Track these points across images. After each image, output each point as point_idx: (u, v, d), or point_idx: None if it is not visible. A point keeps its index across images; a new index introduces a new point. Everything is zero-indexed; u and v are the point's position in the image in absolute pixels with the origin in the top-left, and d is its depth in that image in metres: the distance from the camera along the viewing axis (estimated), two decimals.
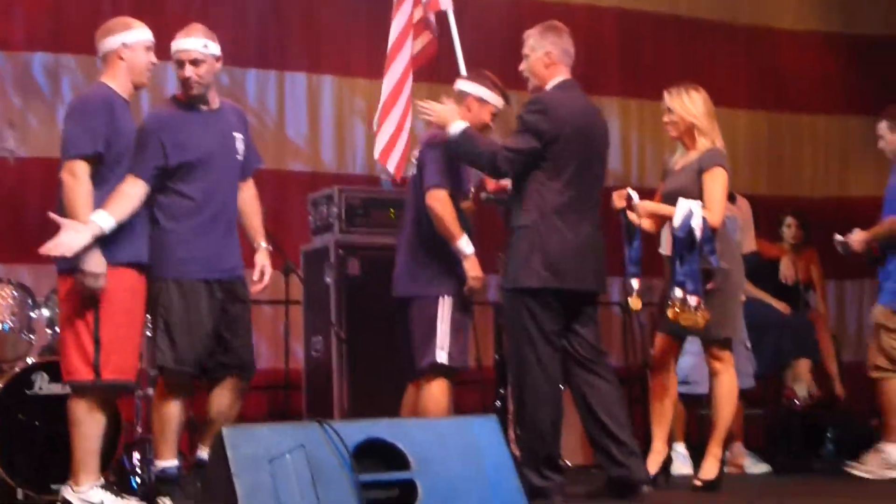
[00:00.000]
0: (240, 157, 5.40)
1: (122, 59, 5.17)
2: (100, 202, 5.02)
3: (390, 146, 6.55)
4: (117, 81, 5.20)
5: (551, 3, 9.41)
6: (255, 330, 8.46)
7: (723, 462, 6.00)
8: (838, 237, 6.85)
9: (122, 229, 5.04)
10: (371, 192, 7.68)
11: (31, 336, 6.41)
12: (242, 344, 5.36)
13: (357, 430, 4.14)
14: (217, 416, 5.28)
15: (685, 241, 5.61)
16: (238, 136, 5.41)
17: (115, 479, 5.84)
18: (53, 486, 5.61)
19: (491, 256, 6.77)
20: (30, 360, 6.14)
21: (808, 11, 10.53)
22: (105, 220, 4.97)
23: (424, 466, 4.14)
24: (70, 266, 5.00)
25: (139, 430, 6.50)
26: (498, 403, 7.14)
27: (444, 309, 5.67)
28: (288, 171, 8.73)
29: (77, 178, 4.99)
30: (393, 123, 6.58)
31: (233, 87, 8.49)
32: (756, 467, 7.21)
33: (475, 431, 4.34)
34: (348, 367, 7.16)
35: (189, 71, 5.22)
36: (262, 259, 5.48)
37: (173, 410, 5.24)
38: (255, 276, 5.44)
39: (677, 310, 5.55)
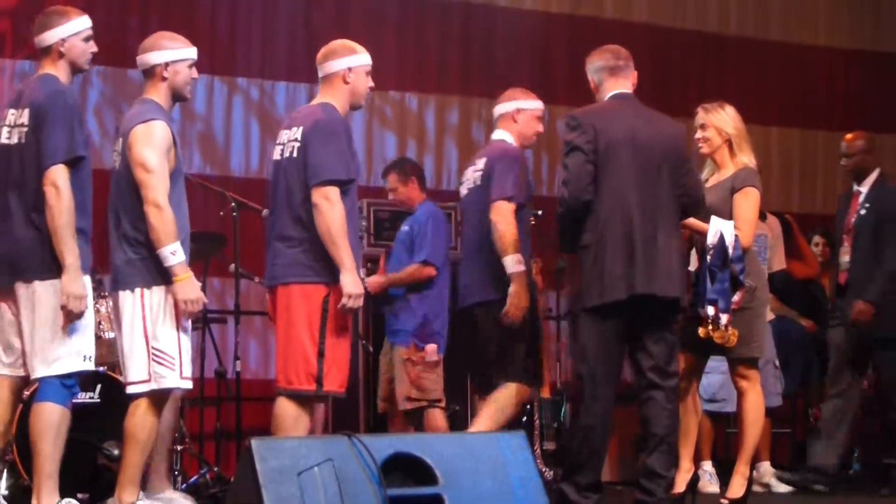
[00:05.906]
0: None
1: (346, 82, 5.18)
2: None
3: None
4: (338, 102, 5.18)
5: (581, 18, 9.42)
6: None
7: (750, 481, 5.97)
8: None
9: None
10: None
11: None
12: None
13: (385, 444, 4.14)
14: None
15: (717, 259, 5.58)
16: None
17: None
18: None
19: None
20: None
21: (839, 28, 10.48)
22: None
23: (452, 481, 4.13)
24: (292, 277, 5.05)
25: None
26: (524, 419, 7.13)
27: None
28: None
29: (333, 203, 4.95)
30: None
31: (263, 99, 8.52)
32: (783, 486, 7.16)
33: (502, 446, 4.34)
34: (375, 380, 7.16)
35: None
36: None
37: None
38: None
39: (710, 328, 5.52)
